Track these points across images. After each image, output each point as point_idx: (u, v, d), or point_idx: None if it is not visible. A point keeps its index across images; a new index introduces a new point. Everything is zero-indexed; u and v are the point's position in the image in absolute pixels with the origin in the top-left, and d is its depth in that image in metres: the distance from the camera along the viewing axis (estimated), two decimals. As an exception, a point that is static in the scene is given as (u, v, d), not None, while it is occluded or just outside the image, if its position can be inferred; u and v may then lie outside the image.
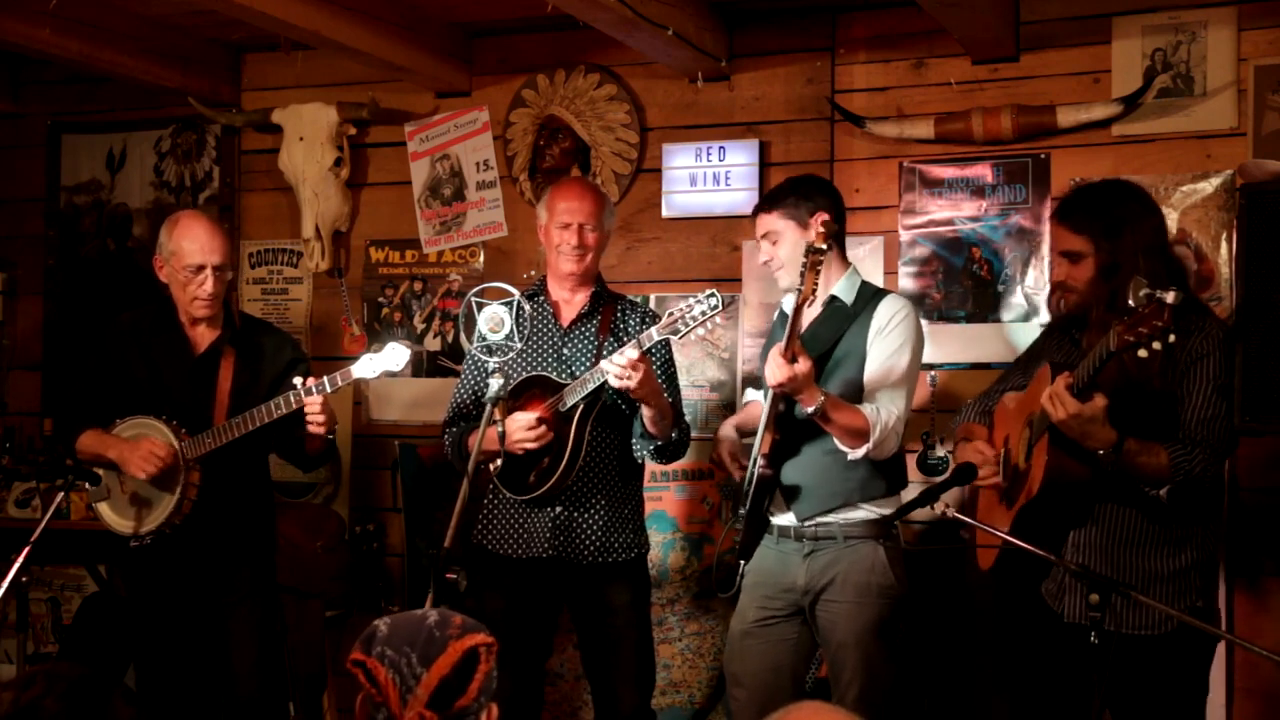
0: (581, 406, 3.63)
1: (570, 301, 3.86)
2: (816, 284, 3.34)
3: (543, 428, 3.62)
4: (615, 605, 3.76)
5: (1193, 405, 3.03)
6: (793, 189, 3.63)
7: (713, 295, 3.39)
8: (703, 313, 3.40)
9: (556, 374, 3.75)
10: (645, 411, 3.61)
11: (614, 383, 3.47)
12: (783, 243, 3.58)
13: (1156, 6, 4.36)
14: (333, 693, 4.81)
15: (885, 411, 3.44)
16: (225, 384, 3.86)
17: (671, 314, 3.45)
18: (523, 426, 3.62)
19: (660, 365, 3.77)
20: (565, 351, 3.80)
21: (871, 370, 3.51)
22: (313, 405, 3.63)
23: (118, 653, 5.02)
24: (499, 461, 3.65)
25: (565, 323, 3.84)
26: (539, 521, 3.74)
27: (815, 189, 3.65)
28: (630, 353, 3.44)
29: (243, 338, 3.95)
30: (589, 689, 4.71)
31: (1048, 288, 4.41)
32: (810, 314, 3.54)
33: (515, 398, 3.71)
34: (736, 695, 3.67)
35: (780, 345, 3.35)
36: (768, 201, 3.66)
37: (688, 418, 3.89)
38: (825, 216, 3.49)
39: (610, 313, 3.83)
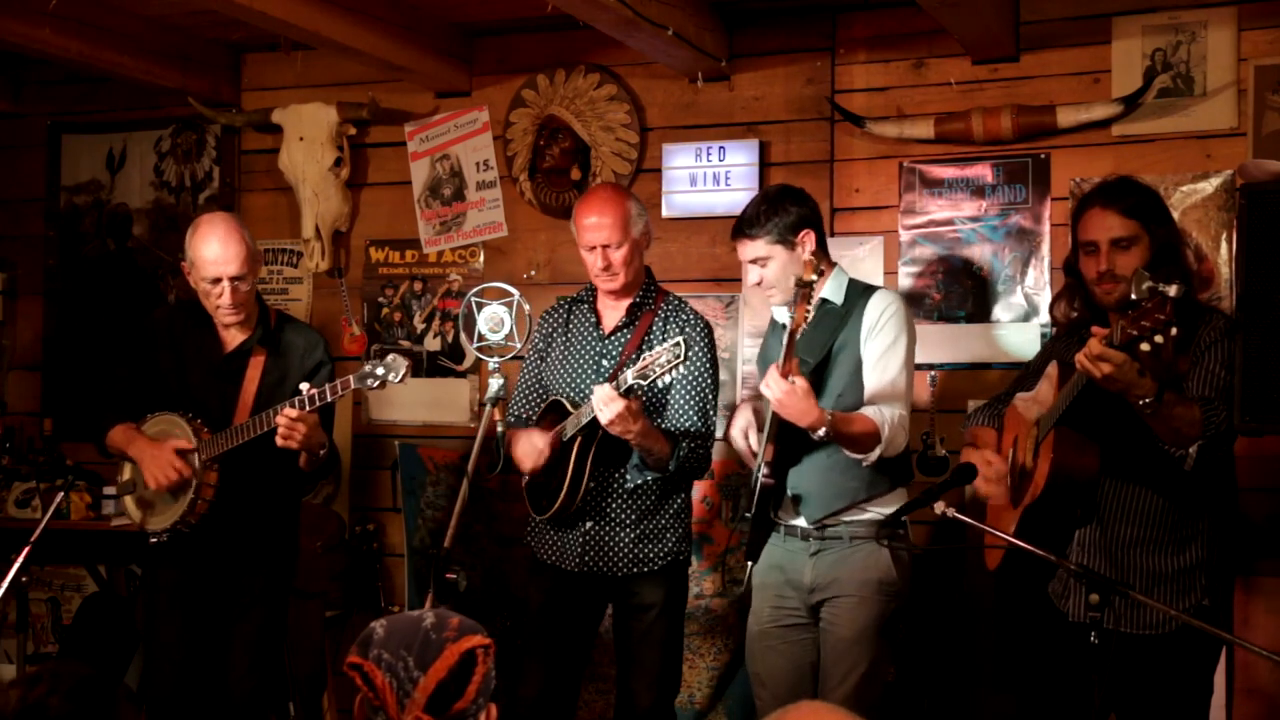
0: (580, 438, 3.63)
1: (614, 308, 3.82)
2: (809, 313, 3.33)
3: (543, 451, 3.66)
4: (647, 604, 3.76)
5: (1199, 379, 3.04)
6: (771, 209, 3.55)
7: (678, 344, 3.38)
8: (668, 360, 3.38)
9: (595, 382, 3.67)
10: (632, 445, 3.60)
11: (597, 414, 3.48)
12: (772, 265, 3.54)
13: (1156, 6, 4.36)
14: (333, 693, 4.81)
15: (889, 411, 3.44)
16: (252, 384, 3.84)
17: (644, 359, 3.43)
18: (530, 452, 3.67)
19: (689, 385, 3.71)
20: (605, 362, 3.78)
21: (868, 370, 3.51)
22: (281, 418, 3.59)
23: (118, 653, 5.02)
24: (526, 478, 3.76)
25: (607, 330, 3.81)
26: (571, 537, 3.76)
27: (789, 201, 3.57)
28: (606, 389, 3.45)
29: (275, 337, 3.92)
30: (590, 689, 4.73)
31: (1047, 287, 4.45)
32: None
33: (540, 420, 3.77)
34: (760, 695, 3.70)
35: (779, 364, 3.34)
36: (749, 227, 3.56)
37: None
38: (811, 237, 3.51)
39: (648, 322, 3.78)
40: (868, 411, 3.44)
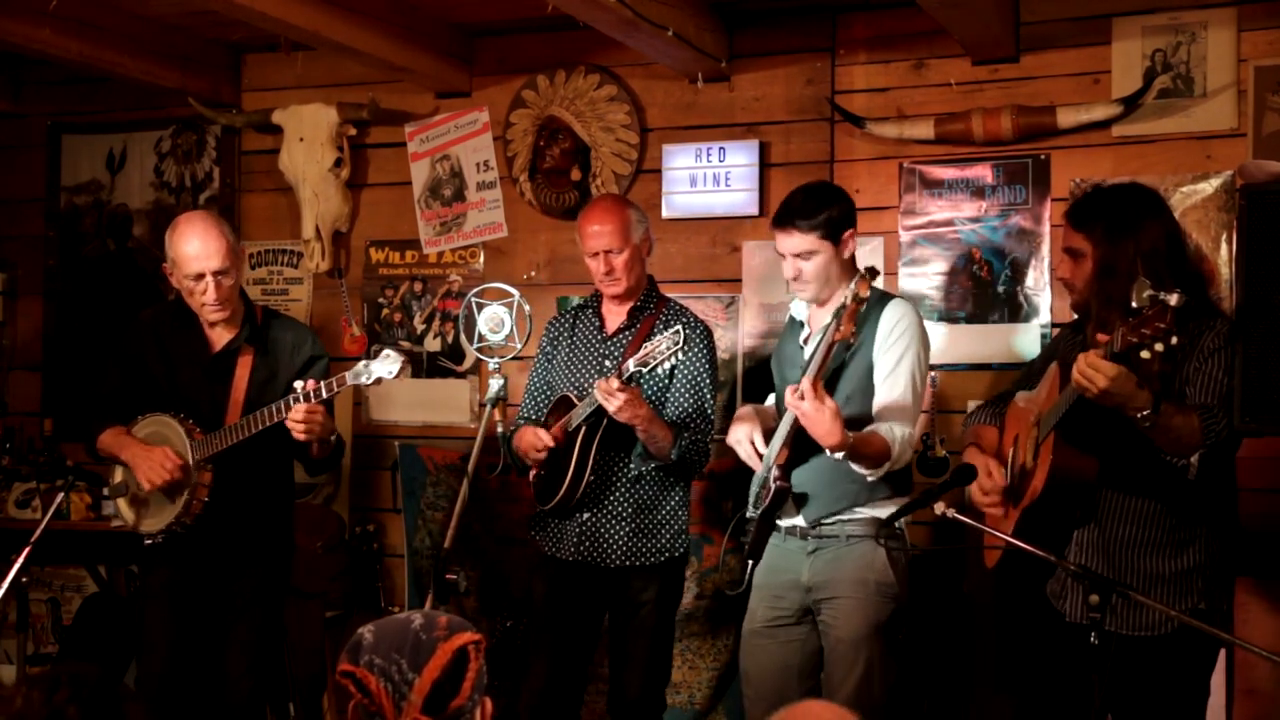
0: (584, 428, 3.75)
1: (618, 312, 3.96)
2: (855, 330, 3.31)
3: (545, 442, 3.79)
4: (640, 600, 3.87)
5: (1202, 385, 3.03)
6: (822, 202, 3.57)
7: (677, 332, 3.54)
8: (668, 347, 3.54)
9: (597, 379, 3.81)
10: (638, 433, 3.72)
11: (603, 404, 3.60)
12: (815, 260, 3.56)
13: (1156, 7, 4.36)
14: (332, 693, 4.81)
15: (900, 430, 3.47)
16: (241, 383, 3.83)
17: (645, 348, 3.60)
18: (531, 444, 3.81)
19: (688, 381, 3.84)
20: (608, 363, 3.90)
21: (879, 384, 3.54)
22: (294, 413, 3.59)
23: (118, 653, 5.02)
24: (535, 470, 3.90)
25: (609, 332, 3.95)
26: (568, 526, 3.88)
27: (837, 197, 3.64)
28: (610, 380, 3.59)
29: (262, 335, 3.90)
30: (590, 689, 4.73)
31: (1048, 288, 4.45)
32: (820, 319, 3.54)
33: (550, 414, 3.91)
34: (746, 693, 3.75)
35: (812, 375, 3.33)
36: (800, 218, 3.54)
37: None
38: (855, 237, 3.59)
39: (649, 325, 3.89)
40: (880, 430, 3.47)
